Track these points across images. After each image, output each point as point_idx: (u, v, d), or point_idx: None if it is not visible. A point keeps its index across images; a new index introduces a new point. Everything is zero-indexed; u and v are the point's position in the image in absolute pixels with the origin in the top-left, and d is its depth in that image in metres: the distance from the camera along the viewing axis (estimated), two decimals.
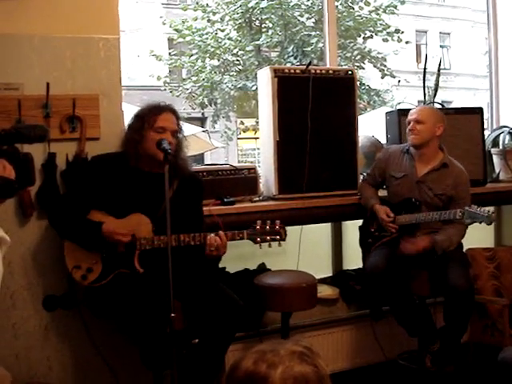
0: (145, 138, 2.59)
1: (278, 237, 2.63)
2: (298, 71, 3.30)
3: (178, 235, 2.53)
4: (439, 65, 4.29)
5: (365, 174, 3.54)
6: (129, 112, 2.96)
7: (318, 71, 3.34)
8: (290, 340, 1.22)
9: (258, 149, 12.99)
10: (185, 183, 2.71)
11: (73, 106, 2.81)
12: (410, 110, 3.36)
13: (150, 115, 2.61)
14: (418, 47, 18.12)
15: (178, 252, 2.47)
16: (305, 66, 3.31)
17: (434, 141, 3.15)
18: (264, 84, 3.35)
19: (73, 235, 2.59)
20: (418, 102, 6.56)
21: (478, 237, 3.66)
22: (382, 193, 3.41)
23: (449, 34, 19.07)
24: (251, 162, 12.91)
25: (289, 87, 3.26)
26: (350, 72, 3.45)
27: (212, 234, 2.57)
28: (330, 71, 3.41)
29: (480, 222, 2.91)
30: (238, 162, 13.20)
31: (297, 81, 3.28)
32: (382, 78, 12.56)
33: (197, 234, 2.56)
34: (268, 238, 2.62)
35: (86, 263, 2.58)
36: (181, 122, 2.71)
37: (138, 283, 2.54)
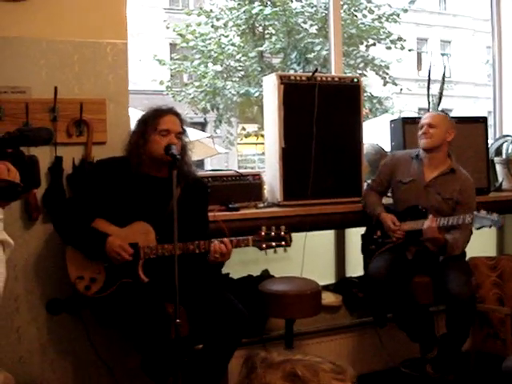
0: (149, 141, 2.56)
1: (283, 242, 2.61)
2: (304, 78, 3.32)
3: (183, 244, 2.49)
4: (444, 73, 4.30)
5: (369, 181, 3.54)
6: (133, 116, 2.97)
7: (323, 78, 3.36)
8: (316, 356, 1.14)
9: (259, 154, 13.01)
10: (189, 188, 2.68)
11: (80, 110, 2.81)
12: (414, 118, 3.39)
13: (152, 118, 2.59)
14: (418, 55, 18.17)
15: (181, 259, 2.44)
16: (311, 73, 3.33)
17: (444, 146, 3.18)
18: (270, 90, 3.36)
19: (77, 243, 2.57)
20: (419, 109, 6.57)
21: (480, 245, 3.66)
22: (386, 200, 3.41)
23: (449, 42, 19.12)
24: (251, 168, 12.93)
25: (295, 94, 3.27)
26: (355, 80, 3.46)
27: (216, 241, 2.54)
28: (336, 78, 3.43)
29: (490, 227, 2.93)
30: (238, 167, 13.19)
31: (303, 88, 3.29)
32: (384, 85, 12.59)
33: (201, 242, 2.53)
34: (273, 244, 2.60)
35: (90, 273, 2.55)
36: (185, 126, 2.69)
37: (142, 292, 2.51)
